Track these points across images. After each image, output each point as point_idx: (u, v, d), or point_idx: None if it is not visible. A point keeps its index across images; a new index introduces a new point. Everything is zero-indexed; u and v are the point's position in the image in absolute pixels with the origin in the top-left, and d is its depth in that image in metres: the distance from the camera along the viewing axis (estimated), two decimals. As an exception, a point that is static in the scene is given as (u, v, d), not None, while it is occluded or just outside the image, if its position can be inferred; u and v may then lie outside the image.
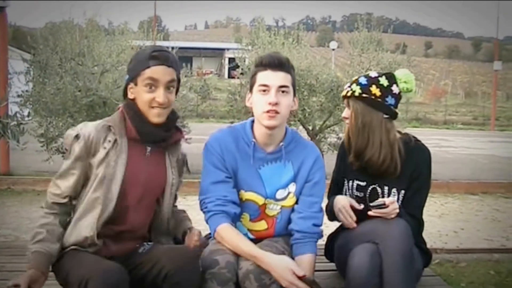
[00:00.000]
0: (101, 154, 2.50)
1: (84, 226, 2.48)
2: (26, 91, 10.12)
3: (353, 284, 2.64)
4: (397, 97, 2.97)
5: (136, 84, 2.56)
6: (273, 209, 2.81)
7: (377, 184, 2.99)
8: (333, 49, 35.39)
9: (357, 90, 2.93)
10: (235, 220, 2.75)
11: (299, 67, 11.23)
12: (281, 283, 2.45)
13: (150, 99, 2.53)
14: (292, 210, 2.82)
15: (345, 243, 2.89)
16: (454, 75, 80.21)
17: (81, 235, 2.47)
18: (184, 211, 2.93)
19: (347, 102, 2.99)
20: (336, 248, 3.01)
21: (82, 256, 2.43)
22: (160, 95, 2.53)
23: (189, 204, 8.22)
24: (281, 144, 2.76)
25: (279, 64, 2.66)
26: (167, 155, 2.69)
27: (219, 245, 2.63)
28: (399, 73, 3.00)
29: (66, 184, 2.53)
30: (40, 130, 9.84)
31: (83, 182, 2.54)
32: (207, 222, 2.74)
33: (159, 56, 2.55)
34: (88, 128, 2.53)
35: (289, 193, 2.80)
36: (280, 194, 2.79)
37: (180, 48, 12.90)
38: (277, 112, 2.62)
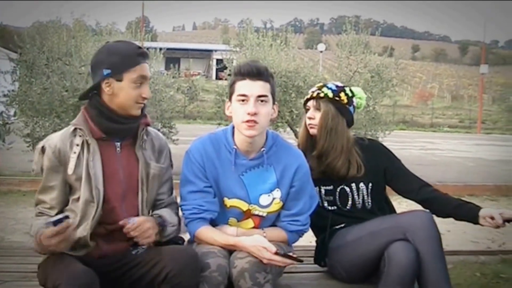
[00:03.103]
0: (73, 159, 2.49)
1: (80, 227, 2.47)
2: (12, 90, 10.06)
3: (399, 280, 2.65)
4: (354, 109, 3.18)
5: (120, 80, 2.51)
6: (259, 215, 2.81)
7: (344, 184, 3.09)
8: (321, 51, 35.49)
9: (329, 93, 3.08)
10: (220, 222, 2.80)
11: (287, 69, 11.24)
12: (262, 261, 2.50)
13: (138, 95, 2.54)
14: (278, 213, 2.85)
15: (354, 240, 2.90)
16: (441, 78, 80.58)
17: (76, 236, 2.45)
18: (170, 208, 2.78)
19: (317, 104, 3.10)
20: (337, 247, 2.99)
21: (59, 260, 2.38)
22: (147, 91, 2.57)
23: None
24: (263, 149, 2.75)
25: (257, 73, 2.64)
26: (137, 147, 2.64)
27: (210, 247, 2.64)
28: (355, 90, 3.22)
29: (50, 197, 2.52)
30: (26, 130, 9.78)
31: (68, 191, 2.53)
32: (186, 227, 2.79)
33: (145, 54, 2.59)
34: (53, 139, 2.53)
35: (273, 199, 2.80)
36: (264, 200, 2.79)
37: (168, 49, 12.89)
38: (256, 122, 2.61)
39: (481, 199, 9.85)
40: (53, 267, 2.35)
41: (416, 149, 20.07)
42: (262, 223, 2.84)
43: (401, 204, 3.21)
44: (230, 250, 2.65)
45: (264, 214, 2.80)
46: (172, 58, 40.42)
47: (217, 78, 46.05)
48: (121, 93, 2.52)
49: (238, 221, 2.82)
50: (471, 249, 5.77)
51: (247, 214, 2.81)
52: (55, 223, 2.25)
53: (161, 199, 2.73)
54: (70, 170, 2.48)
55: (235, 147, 2.75)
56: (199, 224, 2.72)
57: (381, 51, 13.46)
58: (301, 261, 2.54)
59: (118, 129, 2.57)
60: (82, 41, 10.50)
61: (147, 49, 11.67)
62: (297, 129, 11.68)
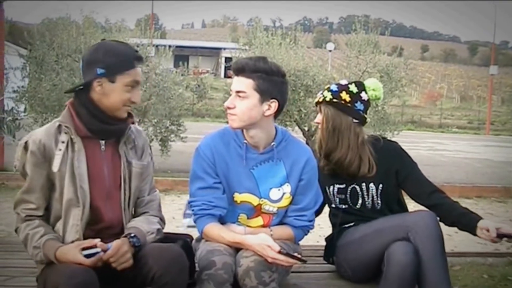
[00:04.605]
0: (58, 156, 2.43)
1: (68, 231, 2.43)
2: (22, 86, 10.11)
3: (398, 280, 2.66)
4: (366, 103, 3.14)
5: (113, 82, 2.48)
6: (269, 210, 2.82)
7: (355, 183, 3.09)
8: (330, 51, 35.46)
9: (328, 96, 3.10)
10: (230, 219, 2.81)
11: (296, 68, 11.24)
12: (267, 260, 2.50)
13: (127, 98, 2.51)
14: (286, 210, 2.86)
15: (360, 238, 2.92)
16: (450, 79, 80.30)
17: (67, 241, 2.42)
18: (149, 208, 2.71)
19: (319, 108, 3.14)
20: (344, 245, 3.02)
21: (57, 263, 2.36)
22: (137, 95, 2.54)
23: (183, 203, 8.21)
24: (273, 144, 2.79)
25: (238, 69, 2.72)
26: (121, 145, 2.61)
27: (216, 245, 2.65)
28: (368, 82, 3.20)
29: (36, 196, 2.45)
30: (35, 126, 9.80)
31: (50, 188, 2.47)
32: (195, 223, 2.81)
33: (141, 58, 2.56)
34: (37, 134, 2.46)
35: (284, 193, 2.81)
36: (274, 194, 2.81)
37: (177, 46, 12.94)
38: (233, 115, 2.72)
39: (489, 201, 9.82)
40: (52, 270, 2.33)
41: (425, 150, 20.01)
42: (272, 221, 2.85)
43: (409, 205, 3.20)
44: (237, 249, 2.66)
45: (275, 210, 2.81)
46: (181, 56, 40.45)
47: (226, 76, 46.13)
48: (111, 94, 2.48)
49: (248, 218, 2.83)
50: (478, 251, 5.76)
51: (257, 210, 2.82)
52: (88, 256, 2.27)
53: (141, 196, 2.69)
54: (55, 168, 2.42)
55: (245, 141, 2.78)
56: (207, 220, 2.73)
57: (391, 51, 13.43)
58: (305, 261, 2.54)
59: (106, 130, 2.53)
60: (91, 38, 10.53)
61: (156, 46, 11.75)
62: (305, 128, 11.67)
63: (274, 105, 2.72)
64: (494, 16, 39.36)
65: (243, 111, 2.69)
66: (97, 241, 2.34)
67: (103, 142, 2.56)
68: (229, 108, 2.72)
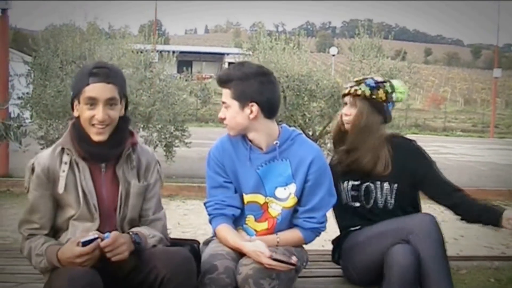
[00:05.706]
0: (63, 178, 2.48)
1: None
2: (27, 93, 10.14)
3: (400, 283, 2.67)
4: (393, 104, 3.11)
5: (79, 102, 2.49)
6: (275, 209, 2.82)
7: (369, 181, 3.06)
8: (333, 55, 35.37)
9: (367, 90, 3.02)
10: (238, 221, 2.84)
11: (300, 73, 11.24)
12: (265, 266, 2.50)
13: (90, 116, 2.46)
14: (294, 210, 2.84)
15: (363, 241, 2.92)
16: (454, 82, 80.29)
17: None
18: (152, 225, 2.66)
19: (354, 101, 3.05)
20: (349, 248, 3.01)
21: (61, 268, 2.37)
22: (99, 112, 2.45)
23: (188, 208, 8.24)
24: (275, 142, 2.79)
25: (219, 81, 2.85)
26: (118, 166, 2.58)
27: (218, 249, 2.67)
28: (397, 83, 3.13)
29: (39, 216, 2.50)
30: (40, 133, 9.85)
31: (56, 207, 2.52)
32: (210, 223, 2.85)
33: (98, 73, 2.46)
34: (42, 158, 2.52)
35: (290, 193, 2.81)
36: (280, 193, 2.81)
37: (181, 52, 12.96)
38: (226, 124, 2.81)
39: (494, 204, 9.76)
40: (56, 275, 2.34)
41: (429, 153, 19.93)
42: (276, 226, 2.84)
43: (424, 208, 3.18)
44: (241, 253, 2.66)
45: (279, 209, 2.81)
46: (185, 61, 40.36)
47: (229, 81, 45.88)
48: (81, 114, 2.50)
49: (256, 220, 2.84)
50: (485, 255, 5.74)
51: (264, 209, 2.82)
52: (85, 243, 2.27)
53: (146, 215, 2.66)
54: (60, 189, 2.47)
55: (250, 143, 2.81)
56: (220, 220, 2.78)
57: (394, 55, 13.41)
58: (295, 265, 2.52)
59: (93, 152, 2.52)
60: (95, 44, 10.57)
61: (160, 52, 11.77)
62: (310, 133, 11.66)
63: (254, 108, 2.73)
64: (497, 18, 39.33)
65: (230, 120, 2.78)
66: (92, 233, 2.36)
67: (103, 165, 2.57)
68: (221, 119, 2.81)
